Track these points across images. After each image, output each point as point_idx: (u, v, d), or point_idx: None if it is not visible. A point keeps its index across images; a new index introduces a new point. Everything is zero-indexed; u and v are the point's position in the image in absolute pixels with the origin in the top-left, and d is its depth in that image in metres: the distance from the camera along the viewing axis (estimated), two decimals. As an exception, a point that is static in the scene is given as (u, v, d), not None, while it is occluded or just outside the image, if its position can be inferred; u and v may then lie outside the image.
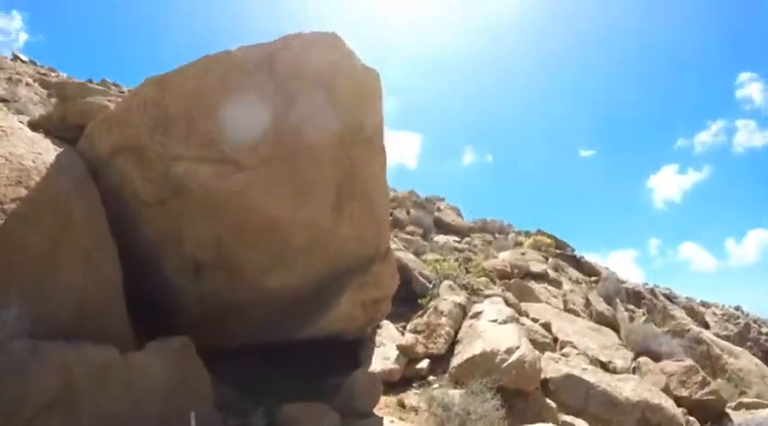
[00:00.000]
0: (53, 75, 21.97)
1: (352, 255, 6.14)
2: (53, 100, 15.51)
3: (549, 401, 6.98)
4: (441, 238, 15.76)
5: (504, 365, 6.67)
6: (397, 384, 7.01)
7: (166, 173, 5.71)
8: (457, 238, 16.42)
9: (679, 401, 8.35)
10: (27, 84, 17.06)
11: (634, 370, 9.23)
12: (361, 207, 6.02)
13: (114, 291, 5.39)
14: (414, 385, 7.10)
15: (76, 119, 7.33)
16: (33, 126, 6.87)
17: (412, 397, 6.58)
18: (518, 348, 6.95)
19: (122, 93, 20.96)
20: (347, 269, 6.15)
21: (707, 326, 15.26)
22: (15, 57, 23.02)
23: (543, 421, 6.42)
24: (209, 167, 5.56)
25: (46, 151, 5.71)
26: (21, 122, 6.77)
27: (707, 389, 8.74)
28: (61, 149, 6.02)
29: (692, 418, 8.07)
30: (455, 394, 5.53)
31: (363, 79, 5.83)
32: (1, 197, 4.79)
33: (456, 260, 12.18)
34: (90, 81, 23.79)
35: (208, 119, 5.56)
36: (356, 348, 7.39)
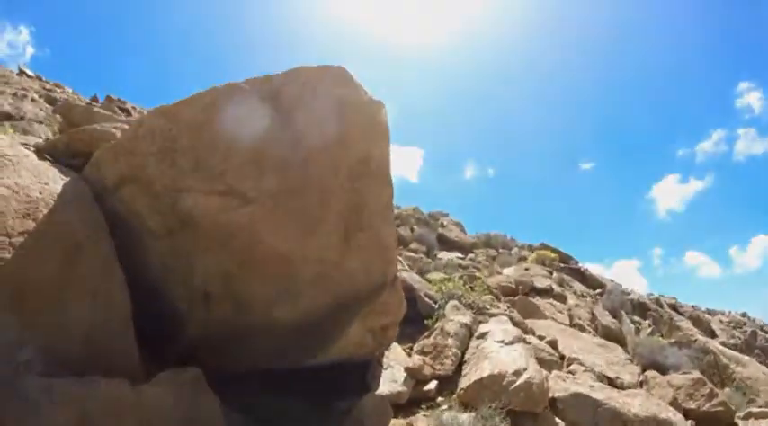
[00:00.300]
0: (58, 90, 22.20)
1: (359, 285, 6.21)
2: (57, 116, 15.71)
3: (557, 420, 7.01)
4: (444, 255, 15.84)
5: (513, 387, 6.73)
6: (404, 406, 7.04)
7: (174, 205, 5.78)
8: (461, 254, 16.50)
9: (687, 414, 8.38)
10: (33, 100, 17.24)
11: (641, 384, 9.27)
12: (368, 238, 6.10)
13: (123, 322, 5.43)
14: (422, 407, 7.14)
15: (83, 147, 7.32)
16: (39, 151, 6.89)
17: (421, 420, 6.63)
18: (525, 369, 7.00)
19: (124, 110, 21.25)
20: (355, 298, 6.21)
21: (713, 335, 15.27)
22: (21, 72, 23.27)
23: (552, 441, 6.48)
24: (217, 200, 5.63)
25: (53, 181, 5.79)
26: (26, 146, 6.85)
27: (715, 401, 8.77)
28: (68, 178, 6.06)
29: (700, 431, 8.11)
30: (465, 418, 5.60)
31: (370, 112, 5.91)
32: (9, 230, 4.88)
33: (461, 277, 12.26)
34: (94, 98, 24.04)
35: (215, 152, 5.65)
36: (364, 370, 7.42)
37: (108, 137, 7.28)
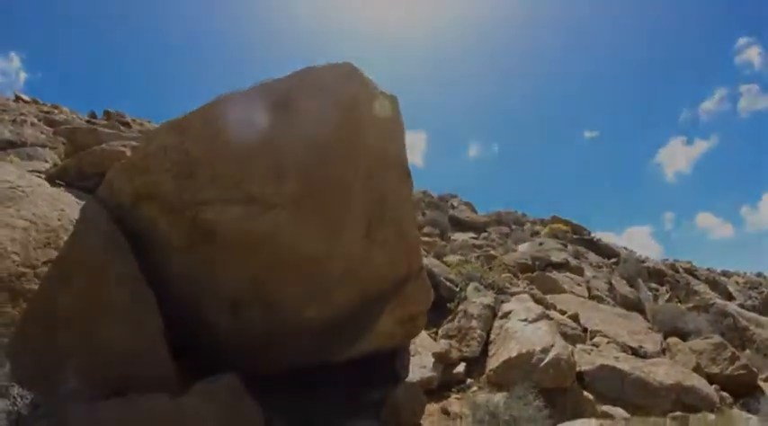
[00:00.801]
0: (56, 111, 22.31)
1: (386, 279, 6.31)
2: (59, 138, 15.84)
3: (586, 393, 7.19)
4: (458, 236, 15.97)
5: (542, 364, 6.89)
6: (435, 390, 7.21)
7: (195, 218, 5.81)
8: (474, 234, 16.63)
9: (711, 378, 8.53)
10: (32, 124, 17.37)
11: (664, 352, 9.41)
12: (391, 232, 6.18)
13: (155, 337, 5.53)
14: (453, 390, 7.32)
15: (93, 168, 7.34)
16: (50, 178, 6.91)
17: (454, 404, 6.81)
18: (552, 346, 7.15)
19: (124, 123, 21.37)
20: (382, 291, 6.32)
21: (730, 297, 15.38)
22: (18, 98, 23.39)
23: (582, 415, 6.62)
24: (238, 209, 5.66)
25: (69, 207, 5.81)
26: (37, 174, 6.88)
27: (737, 364, 8.90)
28: (82, 202, 6.07)
29: (725, 394, 8.26)
30: (499, 399, 5.76)
31: (383, 107, 5.93)
32: (33, 261, 4.94)
33: (478, 258, 12.40)
34: (92, 114, 24.18)
35: (230, 161, 5.67)
36: (392, 359, 7.56)
37: (118, 156, 7.31)
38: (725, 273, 19.42)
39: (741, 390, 8.52)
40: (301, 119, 5.64)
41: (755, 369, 9.06)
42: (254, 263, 5.87)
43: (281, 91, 5.74)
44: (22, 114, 18.59)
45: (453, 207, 19.44)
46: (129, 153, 7.25)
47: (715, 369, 8.83)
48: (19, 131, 15.61)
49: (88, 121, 21.45)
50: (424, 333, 8.45)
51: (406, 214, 6.40)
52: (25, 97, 24.35)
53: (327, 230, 5.80)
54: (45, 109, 22.30)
